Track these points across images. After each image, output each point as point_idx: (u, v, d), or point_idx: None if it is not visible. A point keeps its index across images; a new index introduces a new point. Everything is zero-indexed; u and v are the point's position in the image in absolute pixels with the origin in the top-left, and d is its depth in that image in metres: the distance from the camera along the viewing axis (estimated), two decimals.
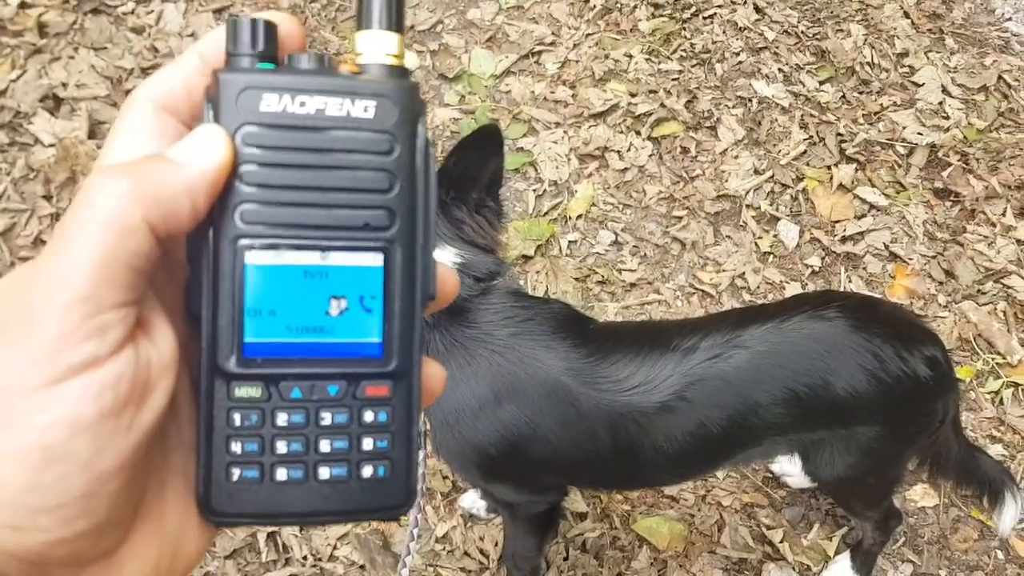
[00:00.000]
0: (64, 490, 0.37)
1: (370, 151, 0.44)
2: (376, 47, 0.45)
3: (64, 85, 2.76)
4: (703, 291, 2.66)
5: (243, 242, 0.43)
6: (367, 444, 0.45)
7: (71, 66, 2.81)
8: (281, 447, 0.44)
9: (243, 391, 0.43)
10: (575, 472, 1.78)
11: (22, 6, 2.88)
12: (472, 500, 2.23)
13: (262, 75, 0.43)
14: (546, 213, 2.79)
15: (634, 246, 2.75)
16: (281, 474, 0.44)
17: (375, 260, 0.44)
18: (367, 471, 0.45)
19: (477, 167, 1.60)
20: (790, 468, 2.27)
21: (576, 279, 2.66)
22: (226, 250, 0.42)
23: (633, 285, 2.67)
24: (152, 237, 0.39)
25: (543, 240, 2.72)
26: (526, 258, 2.67)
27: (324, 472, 0.44)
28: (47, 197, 2.56)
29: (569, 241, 2.73)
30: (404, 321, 0.45)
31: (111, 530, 0.40)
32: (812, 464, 1.88)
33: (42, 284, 0.37)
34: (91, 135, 2.66)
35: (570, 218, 2.78)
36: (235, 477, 0.43)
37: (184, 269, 0.44)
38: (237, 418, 0.43)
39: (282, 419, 0.44)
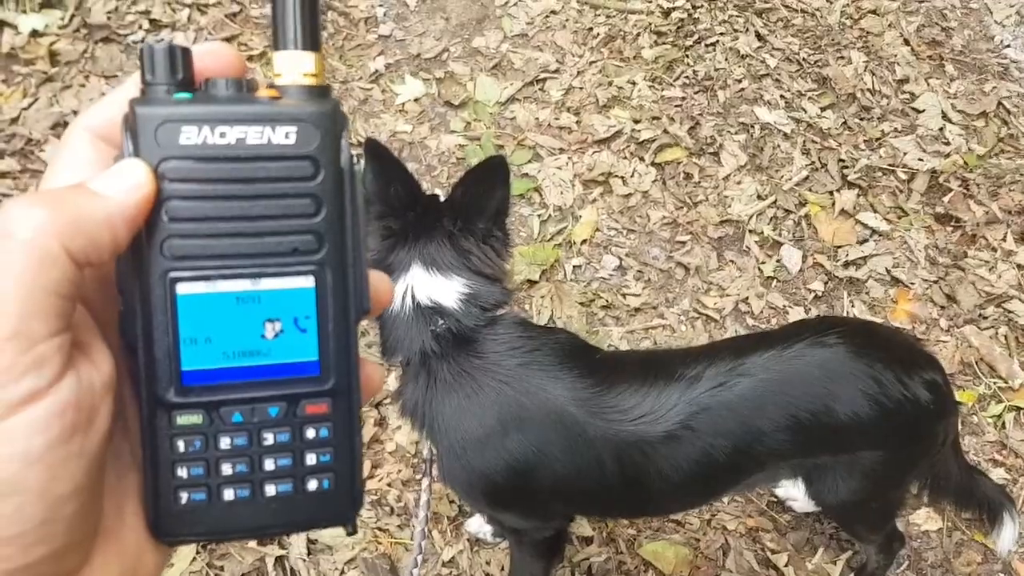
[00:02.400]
0: (22, 519, 0.38)
1: (294, 178, 0.44)
2: (293, 67, 0.45)
3: (75, 113, 2.79)
4: (707, 316, 2.69)
5: (173, 275, 0.43)
6: (311, 459, 0.46)
7: (82, 94, 2.84)
8: (226, 469, 0.44)
9: (184, 419, 0.44)
10: (581, 501, 1.79)
11: (34, 35, 2.92)
12: (478, 525, 2.24)
13: (180, 107, 0.42)
14: (551, 238, 2.81)
15: (638, 271, 2.77)
16: (228, 494, 0.44)
17: (307, 282, 0.44)
18: (312, 485, 0.46)
19: (484, 197, 1.63)
20: (794, 492, 2.29)
21: (581, 304, 2.68)
22: (156, 283, 0.43)
23: (637, 310, 2.70)
24: (73, 265, 0.39)
25: (548, 265, 2.74)
26: (531, 283, 2.70)
27: (270, 489, 0.45)
28: None
29: (574, 266, 2.76)
30: (339, 338, 0.46)
31: (71, 553, 0.41)
32: (816, 488, 1.90)
33: None
34: None
35: (574, 243, 2.81)
36: (183, 500, 0.44)
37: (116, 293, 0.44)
38: (181, 445, 0.44)
39: (225, 443, 0.44)
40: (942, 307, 2.76)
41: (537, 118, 3.06)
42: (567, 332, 1.77)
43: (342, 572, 2.20)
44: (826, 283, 2.79)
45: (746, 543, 2.31)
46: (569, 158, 2.97)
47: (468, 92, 3.11)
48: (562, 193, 2.90)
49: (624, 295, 2.72)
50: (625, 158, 2.99)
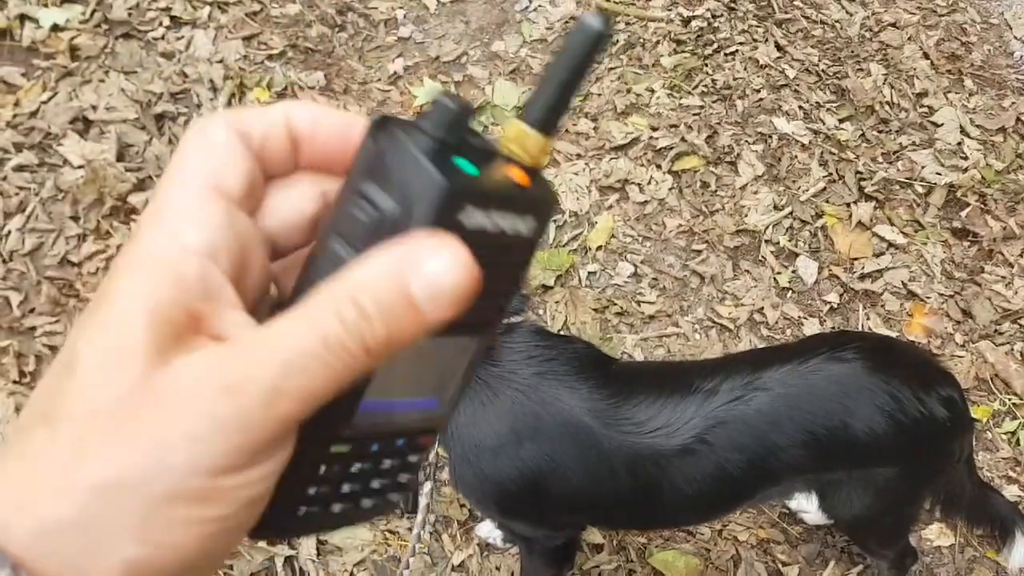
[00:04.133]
0: (124, 511, 0.34)
1: (517, 262, 0.43)
2: (535, 149, 0.42)
3: (94, 108, 2.80)
4: (721, 325, 2.68)
5: None
6: (402, 479, 0.47)
7: (101, 89, 2.85)
8: (346, 488, 0.45)
9: (337, 448, 0.43)
10: (594, 511, 1.79)
11: (54, 29, 2.93)
12: (489, 529, 2.24)
13: (467, 181, 0.40)
14: (566, 244, 2.81)
15: (653, 278, 2.77)
16: (336, 508, 0.45)
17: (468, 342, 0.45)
18: (394, 497, 0.47)
19: None
20: (806, 505, 2.28)
21: (595, 310, 2.68)
22: None
23: (652, 317, 2.69)
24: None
25: (563, 271, 2.74)
26: (546, 288, 2.70)
27: (366, 503, 0.46)
28: (74, 218, 2.59)
29: (589, 272, 2.76)
30: (459, 373, 0.45)
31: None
32: (829, 503, 1.90)
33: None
34: (119, 158, 2.70)
35: (590, 249, 2.80)
36: (300, 513, 0.44)
37: None
38: (323, 469, 0.43)
39: (356, 468, 0.45)
40: (958, 322, 2.75)
41: None
42: (584, 341, 1.77)
43: (351, 574, 2.20)
44: (841, 295, 2.78)
45: (757, 555, 2.30)
46: (586, 164, 2.97)
47: (486, 96, 3.11)
48: (578, 199, 2.89)
49: (639, 302, 2.71)
50: (642, 165, 2.99)
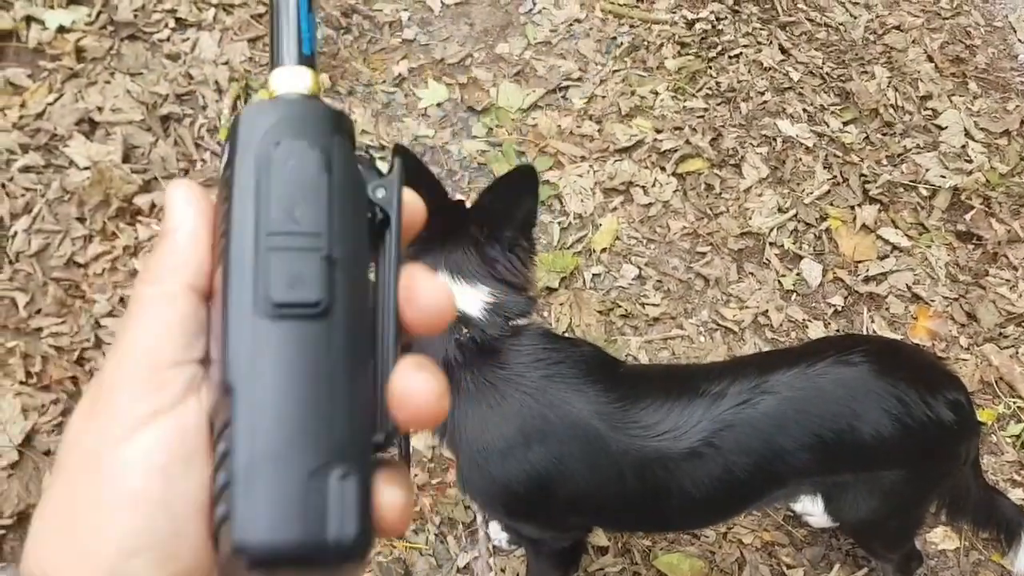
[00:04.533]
0: (150, 528, 0.40)
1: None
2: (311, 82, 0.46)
3: (100, 109, 2.80)
4: (726, 328, 2.68)
5: None
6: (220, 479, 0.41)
7: (107, 91, 2.85)
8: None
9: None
10: (601, 514, 1.79)
11: (60, 31, 2.93)
12: (495, 531, 2.25)
13: None
14: (570, 246, 2.81)
15: (657, 281, 2.77)
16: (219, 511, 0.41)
17: None
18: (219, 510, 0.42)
19: (512, 205, 1.63)
20: (811, 507, 2.28)
21: (599, 312, 2.68)
22: None
23: (656, 320, 2.70)
24: (196, 297, 0.44)
25: (567, 273, 2.74)
26: (550, 290, 2.70)
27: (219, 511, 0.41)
28: (80, 219, 2.59)
29: (593, 274, 2.76)
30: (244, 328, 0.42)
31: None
32: (835, 505, 1.90)
33: (110, 356, 0.44)
34: (125, 159, 2.70)
35: (594, 251, 2.81)
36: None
37: None
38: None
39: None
40: (962, 325, 2.75)
41: (559, 125, 3.06)
42: (591, 344, 1.77)
43: None
44: (846, 298, 2.78)
45: (762, 557, 2.30)
46: (590, 166, 2.97)
47: (491, 98, 3.11)
48: (583, 201, 2.90)
49: (643, 305, 2.72)
50: (646, 167, 2.99)
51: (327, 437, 0.40)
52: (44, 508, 0.43)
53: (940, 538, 2.36)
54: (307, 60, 0.46)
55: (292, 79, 0.45)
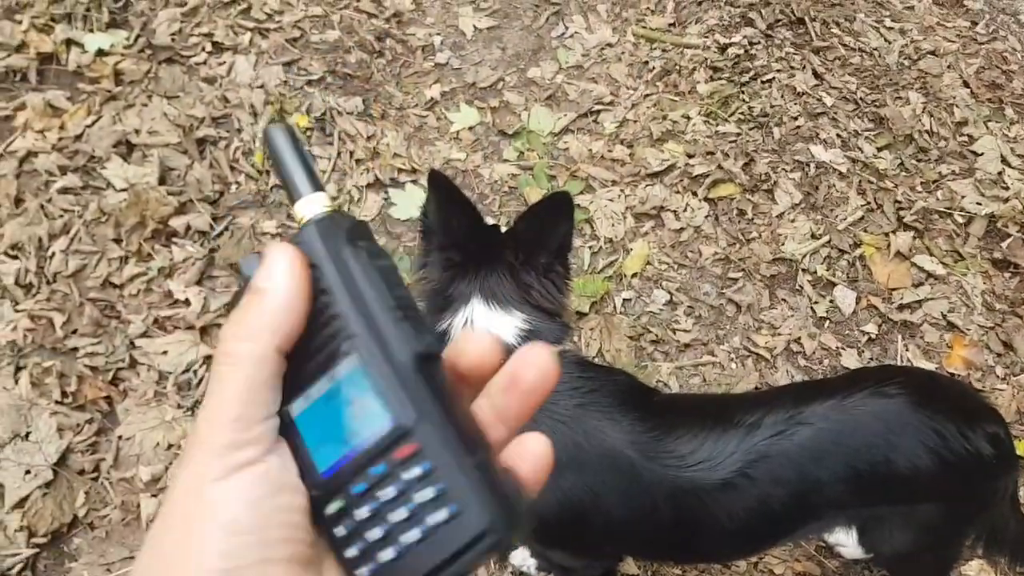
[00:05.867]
0: (243, 555, 0.45)
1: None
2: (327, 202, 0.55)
3: (137, 132, 2.84)
4: (758, 355, 2.66)
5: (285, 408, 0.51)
6: (420, 495, 0.49)
7: (144, 113, 2.89)
8: (370, 536, 0.50)
9: (331, 508, 0.50)
10: (633, 544, 1.78)
11: (99, 54, 2.98)
12: (523, 557, 2.23)
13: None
14: (601, 270, 2.81)
15: (689, 306, 2.76)
16: (382, 556, 0.49)
17: (353, 361, 0.50)
18: (435, 517, 0.48)
19: (547, 232, 1.63)
20: (844, 538, 2.25)
21: (630, 337, 2.67)
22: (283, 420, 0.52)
23: (687, 346, 2.68)
24: (281, 357, 0.49)
25: (598, 297, 2.74)
26: (580, 315, 2.69)
27: (404, 537, 0.49)
28: (117, 240, 2.62)
29: (624, 299, 2.75)
30: (395, 382, 0.50)
31: None
32: (870, 538, 1.87)
33: (204, 413, 0.48)
34: (161, 181, 2.73)
35: (625, 276, 2.80)
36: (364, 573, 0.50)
37: None
38: (337, 529, 0.50)
39: (362, 514, 0.50)
40: (999, 354, 2.71)
41: (590, 149, 3.07)
42: (625, 373, 1.76)
43: None
44: (880, 326, 2.75)
45: None
46: (621, 190, 2.97)
47: (522, 122, 3.12)
48: (613, 225, 2.89)
49: (674, 330, 2.70)
50: (678, 192, 2.98)
51: (477, 439, 0.51)
52: (148, 541, 0.48)
53: (976, 572, 2.32)
54: (318, 186, 0.55)
55: (315, 204, 0.54)
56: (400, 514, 0.49)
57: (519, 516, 0.49)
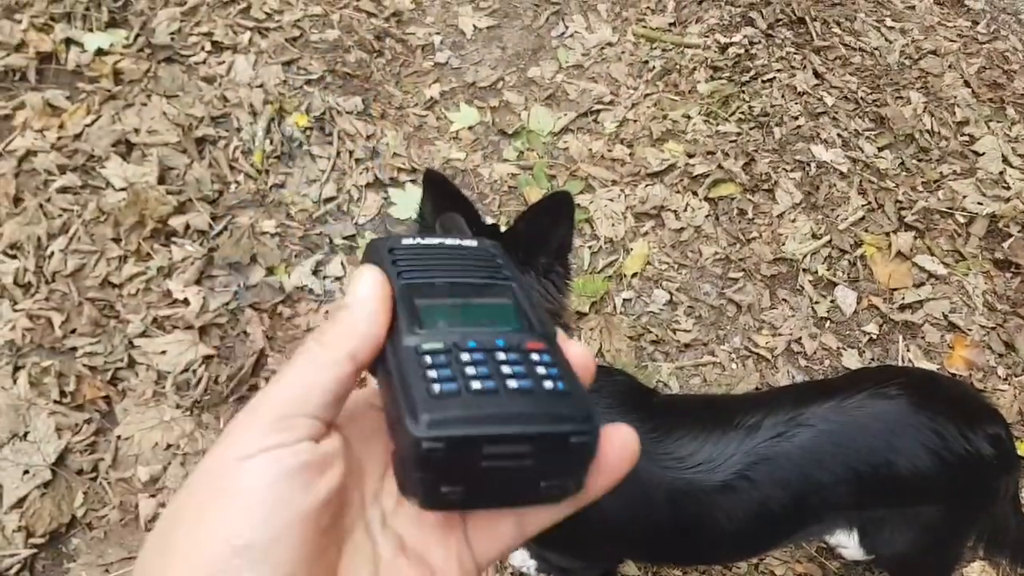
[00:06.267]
0: (253, 528, 0.45)
1: (480, 258, 0.56)
2: None
3: (136, 131, 2.83)
4: (758, 355, 2.65)
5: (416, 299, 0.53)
6: (541, 370, 0.49)
7: (144, 113, 2.89)
8: (471, 372, 0.49)
9: (429, 345, 0.49)
10: (633, 545, 1.77)
11: (99, 53, 2.97)
12: (522, 559, 2.23)
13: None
14: (601, 270, 2.80)
15: (689, 306, 2.75)
16: (476, 384, 0.48)
17: (506, 299, 0.54)
18: (548, 384, 0.48)
19: (547, 232, 1.62)
20: (845, 540, 2.24)
21: (630, 337, 2.66)
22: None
23: (687, 346, 2.67)
24: (353, 368, 0.49)
25: (598, 297, 2.73)
26: (580, 315, 2.69)
27: (512, 383, 0.48)
28: (116, 240, 2.62)
29: (624, 299, 2.75)
30: (539, 310, 0.54)
31: None
32: (871, 540, 1.87)
33: (252, 403, 0.49)
34: (160, 180, 2.73)
35: (625, 276, 2.79)
36: (436, 390, 0.47)
37: None
38: (428, 359, 0.49)
39: (466, 357, 0.49)
40: (1000, 355, 2.71)
41: (590, 149, 3.06)
42: (625, 374, 1.76)
43: None
44: (881, 326, 2.75)
45: None
46: (621, 190, 2.96)
47: (522, 121, 3.11)
48: (613, 225, 2.89)
49: (674, 330, 2.70)
50: (678, 192, 2.98)
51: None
52: (170, 509, 0.48)
53: (978, 573, 2.31)
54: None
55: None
56: (509, 370, 0.49)
57: (597, 425, 0.49)
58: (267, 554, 0.45)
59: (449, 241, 0.57)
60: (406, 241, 0.56)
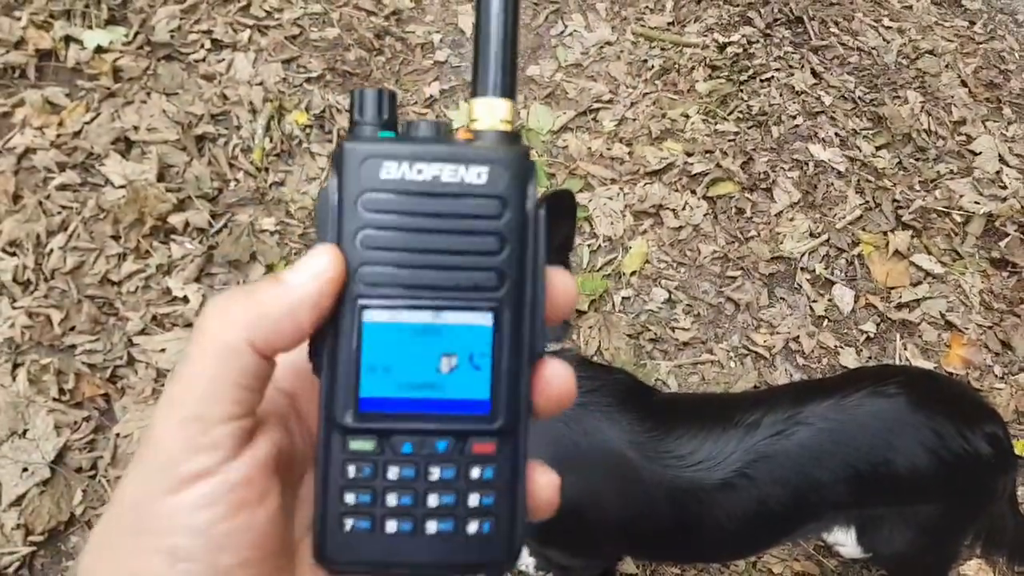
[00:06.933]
0: None
1: (481, 215, 0.45)
2: (490, 113, 0.48)
3: (136, 128, 2.83)
4: (757, 353, 2.66)
5: (362, 301, 0.44)
6: (473, 500, 0.46)
7: (143, 110, 2.88)
8: (392, 500, 0.45)
9: (358, 444, 0.45)
10: (633, 544, 1.78)
11: (98, 51, 2.97)
12: (522, 556, 2.23)
13: (383, 144, 0.46)
14: (600, 268, 2.81)
15: (687, 305, 2.76)
16: (391, 526, 0.45)
17: (485, 320, 0.45)
18: (472, 527, 0.45)
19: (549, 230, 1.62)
20: (843, 538, 2.25)
21: (629, 336, 2.67)
22: (347, 308, 0.45)
23: (686, 344, 2.68)
24: (257, 356, 0.42)
25: (596, 295, 2.74)
26: (579, 313, 2.69)
27: (432, 526, 0.45)
28: (115, 237, 2.62)
29: (623, 297, 2.75)
30: (511, 380, 0.46)
31: None
32: (869, 538, 1.88)
33: (161, 406, 0.42)
34: (160, 178, 2.73)
35: (624, 274, 2.80)
36: (348, 527, 0.45)
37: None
38: (352, 470, 0.45)
39: (393, 472, 0.45)
40: (997, 354, 2.72)
41: (589, 148, 3.06)
42: (625, 372, 1.76)
43: None
44: (878, 324, 2.76)
45: None
46: (620, 189, 2.97)
47: (521, 120, 3.12)
48: (612, 224, 2.89)
49: (673, 329, 2.70)
50: (677, 191, 2.98)
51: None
52: (91, 546, 0.44)
53: (975, 571, 2.32)
54: (508, 92, 0.49)
55: (499, 118, 0.48)
56: (435, 501, 0.45)
57: (518, 553, 0.47)
58: None
59: (448, 176, 0.45)
60: (386, 174, 0.45)
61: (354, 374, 0.45)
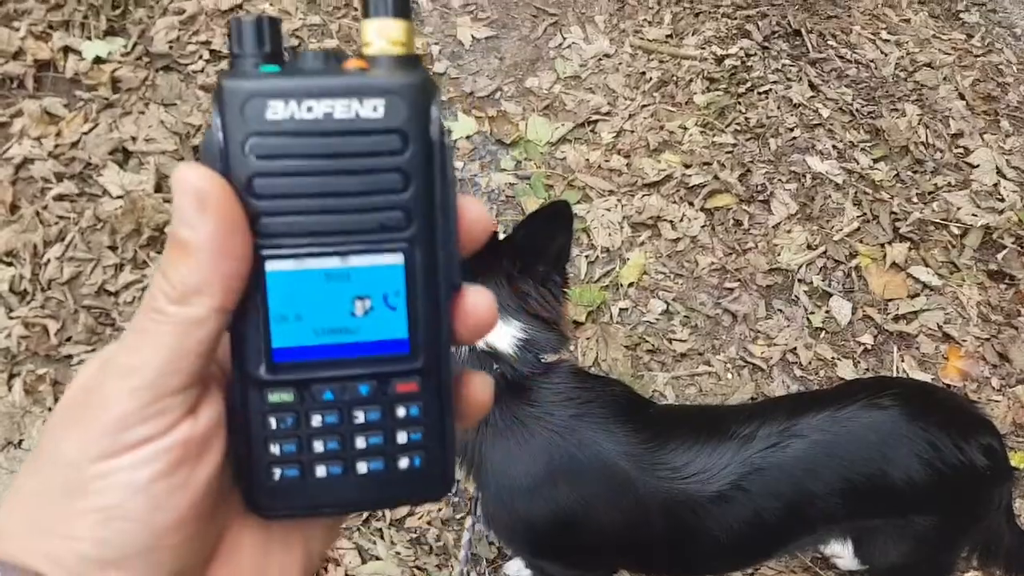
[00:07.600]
0: (126, 544, 0.40)
1: (382, 152, 0.42)
2: (382, 35, 0.43)
3: (134, 139, 2.84)
4: (754, 365, 2.66)
5: (262, 252, 0.42)
6: (401, 437, 0.45)
7: (141, 121, 2.89)
8: (318, 446, 0.44)
9: (276, 396, 0.44)
10: (627, 556, 1.78)
11: (97, 61, 2.97)
12: (517, 568, 2.23)
13: (266, 80, 0.41)
14: (598, 280, 2.81)
15: (685, 316, 2.76)
16: (320, 471, 0.44)
17: (395, 259, 0.43)
18: (403, 463, 0.45)
19: (545, 240, 1.63)
20: (840, 550, 2.25)
21: (626, 347, 2.67)
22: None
23: (683, 356, 2.68)
24: (223, 320, 0.42)
25: (594, 307, 2.74)
26: (577, 324, 2.69)
27: (362, 466, 0.45)
28: (112, 248, 2.62)
29: (620, 309, 2.75)
30: (429, 316, 0.44)
31: None
32: (865, 550, 1.87)
33: (112, 371, 0.41)
34: (158, 188, 2.73)
35: (621, 286, 2.80)
36: (276, 477, 0.44)
37: None
38: (273, 422, 0.44)
39: (316, 420, 0.44)
40: (994, 366, 2.72)
41: (587, 159, 3.07)
42: (621, 384, 1.76)
43: None
44: (876, 336, 2.76)
45: None
46: (618, 200, 2.97)
47: (520, 131, 3.12)
48: (610, 235, 2.90)
49: (670, 340, 2.70)
50: (674, 202, 2.99)
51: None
52: (13, 504, 0.42)
53: None
54: (403, 13, 0.44)
55: (392, 41, 0.44)
56: (363, 443, 0.45)
57: (452, 483, 0.47)
58: (146, 562, 0.41)
59: (341, 112, 0.42)
60: (273, 115, 0.41)
61: (264, 326, 0.43)
